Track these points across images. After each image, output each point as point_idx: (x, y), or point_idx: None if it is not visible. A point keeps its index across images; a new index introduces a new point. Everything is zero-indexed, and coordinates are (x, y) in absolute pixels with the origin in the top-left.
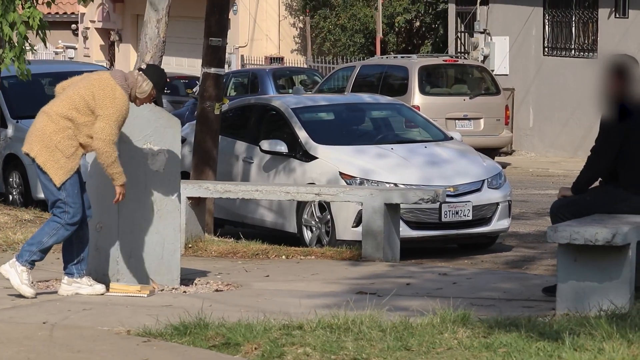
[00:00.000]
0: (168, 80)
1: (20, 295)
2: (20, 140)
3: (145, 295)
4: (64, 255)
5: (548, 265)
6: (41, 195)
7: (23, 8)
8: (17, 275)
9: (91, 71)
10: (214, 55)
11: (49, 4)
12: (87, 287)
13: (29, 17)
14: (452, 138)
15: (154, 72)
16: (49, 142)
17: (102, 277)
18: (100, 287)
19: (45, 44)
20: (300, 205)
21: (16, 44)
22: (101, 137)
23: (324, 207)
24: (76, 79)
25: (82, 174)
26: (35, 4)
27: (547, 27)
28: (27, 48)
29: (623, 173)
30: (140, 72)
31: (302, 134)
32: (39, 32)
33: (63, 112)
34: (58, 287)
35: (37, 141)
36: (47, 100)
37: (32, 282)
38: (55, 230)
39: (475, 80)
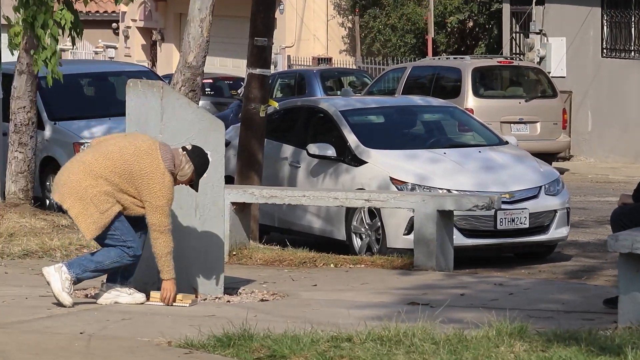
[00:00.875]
0: (212, 81)
1: (57, 304)
2: (59, 142)
3: (187, 305)
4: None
5: (609, 275)
6: None
7: (59, 9)
8: (60, 280)
9: (132, 72)
10: (260, 55)
11: (85, 2)
12: (126, 295)
13: (60, 19)
14: (507, 142)
15: (198, 156)
16: (84, 195)
17: (143, 286)
18: (140, 296)
19: (73, 44)
20: (350, 212)
21: (48, 46)
22: (160, 230)
23: (374, 213)
24: (118, 137)
25: None
26: (70, 4)
27: (605, 27)
28: (59, 49)
29: None
30: (185, 153)
31: (351, 138)
32: (71, 31)
33: (103, 174)
34: (97, 295)
35: (70, 193)
36: (86, 102)
37: (72, 292)
38: (120, 258)
39: (531, 83)
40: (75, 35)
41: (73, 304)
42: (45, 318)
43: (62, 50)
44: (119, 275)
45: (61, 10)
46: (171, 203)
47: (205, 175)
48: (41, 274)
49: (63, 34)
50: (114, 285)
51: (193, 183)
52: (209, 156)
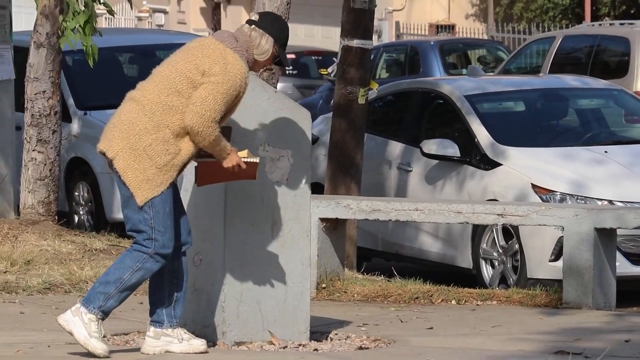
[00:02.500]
0: (295, 56)
1: (87, 354)
2: (90, 139)
3: (257, 160)
4: (150, 296)
5: None
6: (120, 216)
7: None
8: (83, 326)
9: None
10: (358, 21)
11: None
12: (179, 342)
13: None
14: None
15: (272, 22)
16: (137, 143)
17: (202, 329)
18: (199, 343)
19: (131, 5)
20: (478, 231)
21: (83, 9)
22: (199, 111)
23: (510, 233)
24: (172, 55)
25: (178, 186)
26: None
27: None
28: (97, 13)
29: None
30: (253, 26)
31: (481, 132)
32: None
33: (160, 100)
34: (141, 343)
35: (120, 138)
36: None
37: (105, 336)
38: (140, 263)
39: None
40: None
41: (109, 351)
42: None
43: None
44: (164, 314)
45: None
46: (233, 90)
47: (285, 173)
48: (58, 321)
49: None
50: (162, 328)
51: (279, 58)
52: (287, 29)
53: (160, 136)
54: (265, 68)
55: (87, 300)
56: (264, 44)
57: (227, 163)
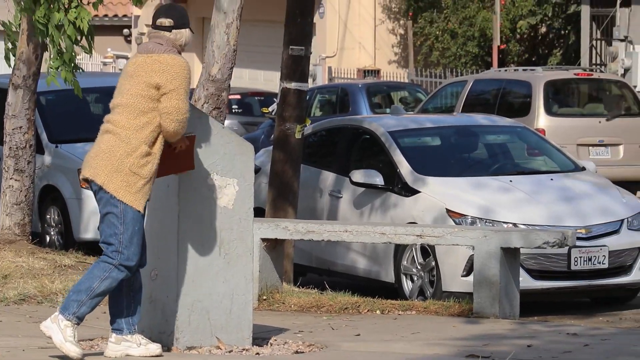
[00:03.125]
0: (240, 97)
1: (62, 357)
2: (61, 168)
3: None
4: (110, 307)
5: None
6: (86, 236)
7: (68, 9)
8: (59, 331)
9: None
10: (296, 67)
11: (95, 5)
12: (137, 347)
13: (76, 19)
14: (584, 168)
15: (181, 17)
16: (121, 166)
17: (157, 335)
18: (155, 348)
19: (90, 52)
20: (399, 250)
21: (65, 50)
22: (177, 119)
23: (427, 251)
24: (120, 86)
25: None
26: (81, 3)
27: None
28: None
29: None
30: (173, 30)
31: (402, 163)
32: (84, 38)
33: (130, 124)
34: (105, 348)
35: (104, 166)
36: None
37: (78, 341)
38: (107, 273)
39: (614, 99)
40: (87, 42)
41: (82, 354)
42: None
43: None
44: (123, 322)
45: (76, 7)
46: (188, 88)
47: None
48: (40, 327)
49: (80, 36)
50: (122, 335)
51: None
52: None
53: (138, 153)
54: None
55: (63, 308)
56: (187, 37)
57: (177, 143)
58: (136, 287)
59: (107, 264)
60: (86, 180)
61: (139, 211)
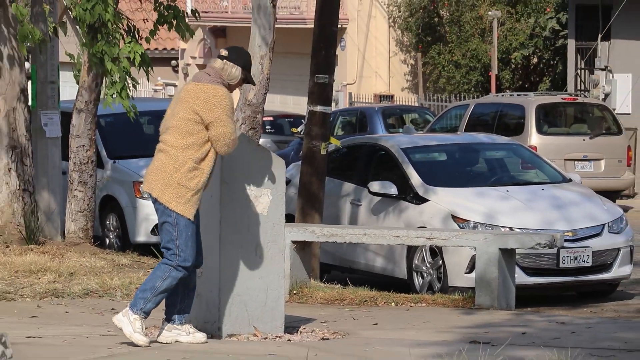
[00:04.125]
0: (272, 118)
1: (131, 343)
2: (118, 181)
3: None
4: (166, 300)
5: None
6: (140, 239)
7: (125, 43)
8: (129, 323)
9: None
10: (321, 92)
11: (147, 40)
12: (186, 335)
13: (129, 52)
14: (570, 180)
15: (238, 54)
16: (171, 180)
17: (202, 325)
18: (201, 336)
19: (148, 78)
20: (411, 250)
21: (118, 80)
22: (227, 143)
23: (435, 252)
24: (171, 109)
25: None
26: (137, 38)
27: None
28: (129, 84)
29: None
30: (224, 60)
31: (414, 175)
32: (142, 67)
33: (178, 144)
34: (157, 334)
35: (157, 181)
36: (145, 140)
37: (145, 332)
38: (167, 273)
39: (596, 120)
40: (145, 70)
41: (149, 342)
42: (105, 357)
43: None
44: (175, 314)
45: (129, 42)
46: (230, 111)
47: (265, 206)
48: (112, 320)
49: (136, 67)
50: (173, 324)
51: (247, 79)
52: (250, 57)
53: (185, 169)
54: (246, 124)
55: (132, 304)
56: (234, 72)
57: None
58: (191, 285)
59: (167, 265)
60: (148, 192)
61: (190, 219)
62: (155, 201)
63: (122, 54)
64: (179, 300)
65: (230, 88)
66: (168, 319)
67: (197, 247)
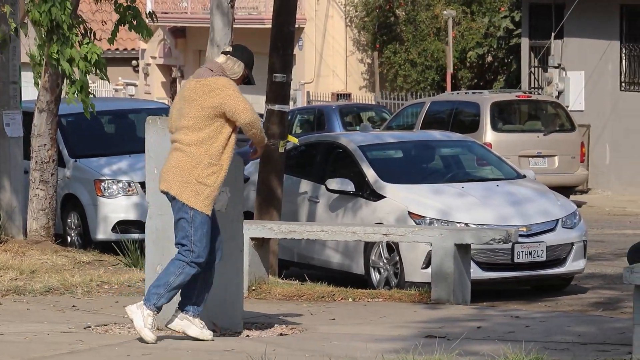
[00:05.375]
0: None
1: (79, 340)
2: (79, 180)
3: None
4: (183, 291)
5: (626, 307)
6: (101, 237)
7: (81, 45)
8: (142, 318)
9: (152, 109)
10: (278, 91)
11: (110, 40)
12: (197, 328)
13: (86, 53)
14: (525, 176)
15: (242, 51)
16: (189, 178)
17: (163, 322)
18: (209, 334)
19: (107, 79)
20: (368, 246)
21: (77, 79)
22: (242, 111)
23: (392, 247)
24: (180, 105)
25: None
26: (93, 40)
27: (624, 61)
28: (89, 84)
29: None
30: (228, 55)
31: (370, 173)
32: (97, 69)
33: (192, 140)
34: (170, 320)
35: (175, 179)
36: (106, 139)
37: (154, 328)
38: (181, 269)
39: (549, 117)
40: (101, 73)
41: (155, 340)
42: (66, 354)
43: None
44: (190, 305)
45: (87, 43)
46: (239, 93)
47: (224, 204)
48: (125, 309)
49: (92, 68)
50: (187, 315)
51: (249, 77)
52: (253, 56)
53: (203, 165)
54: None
55: (146, 299)
56: (236, 68)
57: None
58: (209, 282)
59: (180, 261)
60: (163, 192)
61: (207, 215)
62: (173, 199)
63: (77, 55)
64: (195, 294)
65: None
66: (182, 309)
67: (212, 243)
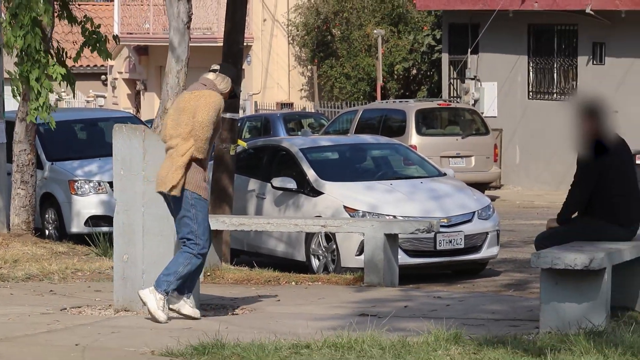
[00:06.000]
0: None
1: (56, 321)
2: (55, 180)
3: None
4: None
5: (533, 288)
6: (75, 230)
7: (47, 66)
8: (155, 301)
9: (119, 118)
10: (230, 102)
11: (75, 59)
12: (190, 307)
13: (52, 73)
14: (445, 174)
15: (227, 69)
16: (182, 177)
17: (129, 304)
18: (197, 312)
19: (74, 94)
20: (308, 236)
21: (40, 97)
22: (202, 130)
23: (329, 237)
24: (175, 115)
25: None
26: (64, 59)
27: (531, 73)
28: (52, 99)
29: (599, 205)
30: (217, 72)
31: (310, 172)
32: (67, 83)
33: (186, 148)
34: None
35: (170, 180)
36: (79, 144)
37: (166, 310)
38: (189, 260)
39: (467, 122)
40: (70, 87)
41: (167, 320)
42: (45, 332)
43: (58, 99)
44: (185, 288)
45: (53, 65)
46: (214, 119)
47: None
48: (138, 293)
49: (59, 85)
50: (182, 296)
51: (235, 91)
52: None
53: (192, 166)
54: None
55: (157, 285)
56: (225, 84)
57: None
58: (200, 269)
59: (189, 253)
60: (161, 193)
61: (207, 200)
62: (173, 198)
63: (43, 75)
64: (190, 279)
65: (223, 97)
66: (180, 292)
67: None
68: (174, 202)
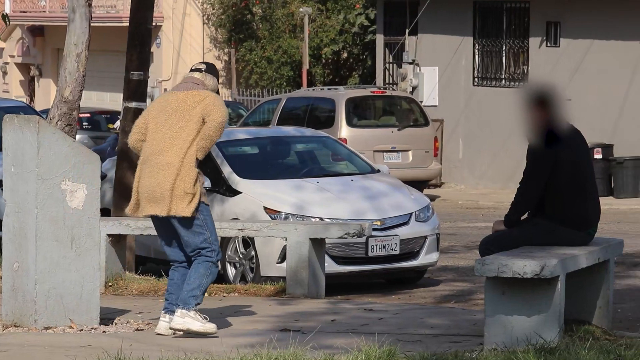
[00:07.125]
0: (89, 115)
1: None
2: None
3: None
4: (173, 292)
5: (477, 299)
6: None
7: None
8: (193, 320)
9: (9, 107)
10: (136, 89)
11: None
12: (200, 323)
13: None
14: (379, 171)
15: (212, 67)
16: (176, 192)
17: (19, 318)
18: (212, 326)
19: None
20: (224, 241)
21: None
22: (217, 135)
23: (248, 242)
24: (157, 121)
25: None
26: None
27: (477, 56)
28: None
29: (551, 205)
30: (203, 72)
31: (226, 169)
32: None
33: (181, 153)
34: (171, 320)
35: (167, 200)
36: None
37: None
38: (209, 269)
39: (404, 112)
40: None
41: (216, 328)
42: None
43: None
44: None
45: None
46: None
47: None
48: (172, 327)
49: None
50: (186, 312)
51: (217, 90)
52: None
53: (189, 178)
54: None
55: (184, 304)
56: (213, 84)
57: None
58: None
59: (208, 262)
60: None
61: (208, 205)
62: (173, 218)
63: None
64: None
65: None
66: (169, 309)
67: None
68: (180, 221)
